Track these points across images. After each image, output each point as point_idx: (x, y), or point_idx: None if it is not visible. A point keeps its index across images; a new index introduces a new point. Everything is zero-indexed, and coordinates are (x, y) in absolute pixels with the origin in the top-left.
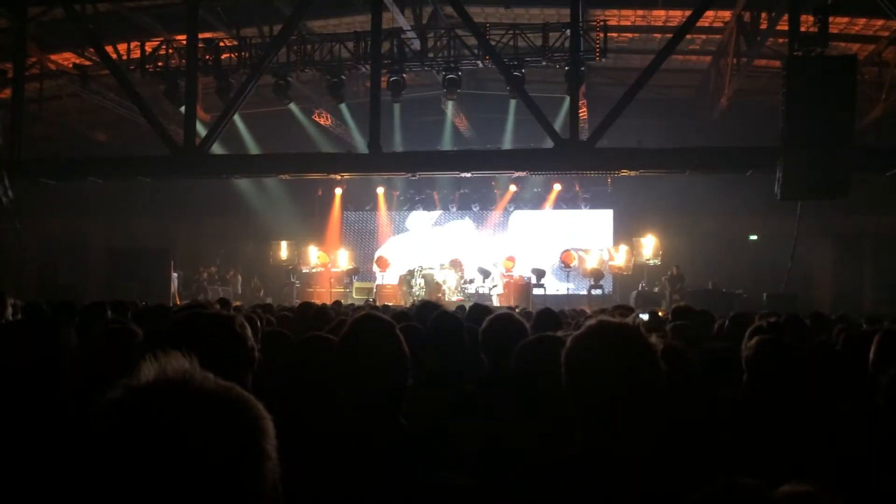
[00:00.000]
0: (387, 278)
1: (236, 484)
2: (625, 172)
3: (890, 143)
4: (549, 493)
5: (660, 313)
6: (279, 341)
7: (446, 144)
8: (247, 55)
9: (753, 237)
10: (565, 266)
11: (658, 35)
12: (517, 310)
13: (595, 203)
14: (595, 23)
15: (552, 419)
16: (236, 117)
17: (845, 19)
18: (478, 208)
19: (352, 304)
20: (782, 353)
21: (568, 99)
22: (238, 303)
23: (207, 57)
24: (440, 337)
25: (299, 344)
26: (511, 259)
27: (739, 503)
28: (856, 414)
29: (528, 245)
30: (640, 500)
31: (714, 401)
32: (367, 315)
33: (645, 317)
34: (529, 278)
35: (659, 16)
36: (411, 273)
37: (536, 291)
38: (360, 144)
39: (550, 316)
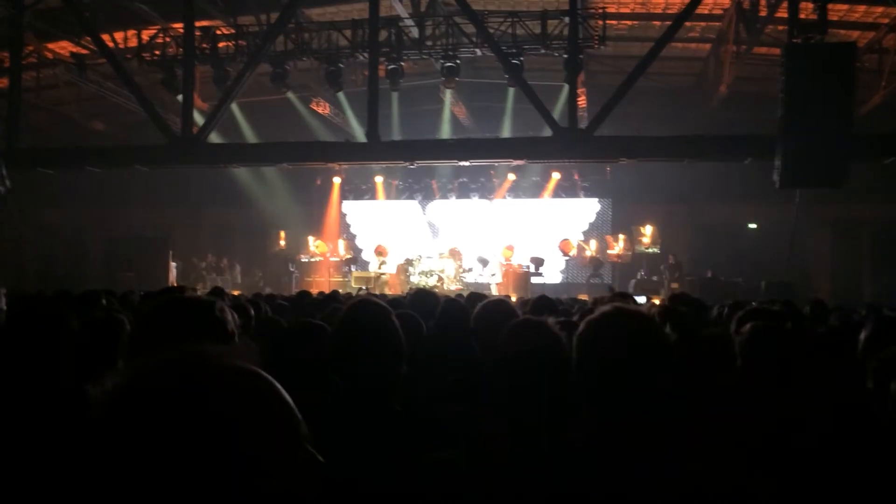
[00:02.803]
0: (385, 267)
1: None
2: (623, 161)
3: (889, 131)
4: (545, 477)
5: (656, 301)
6: (272, 328)
7: (445, 133)
8: (244, 43)
9: (752, 225)
10: (564, 255)
11: (657, 22)
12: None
13: (594, 191)
14: (594, 10)
15: (538, 402)
16: (234, 106)
17: (845, 6)
18: (476, 197)
19: (349, 294)
20: (777, 339)
21: (567, 87)
22: (237, 291)
23: (204, 45)
24: (449, 324)
25: (291, 329)
26: (510, 248)
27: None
28: (847, 399)
29: (526, 234)
30: (648, 484)
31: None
32: (364, 301)
33: (642, 299)
34: (528, 267)
35: (658, 3)
36: (410, 262)
37: (535, 280)
38: (359, 133)
39: (546, 302)
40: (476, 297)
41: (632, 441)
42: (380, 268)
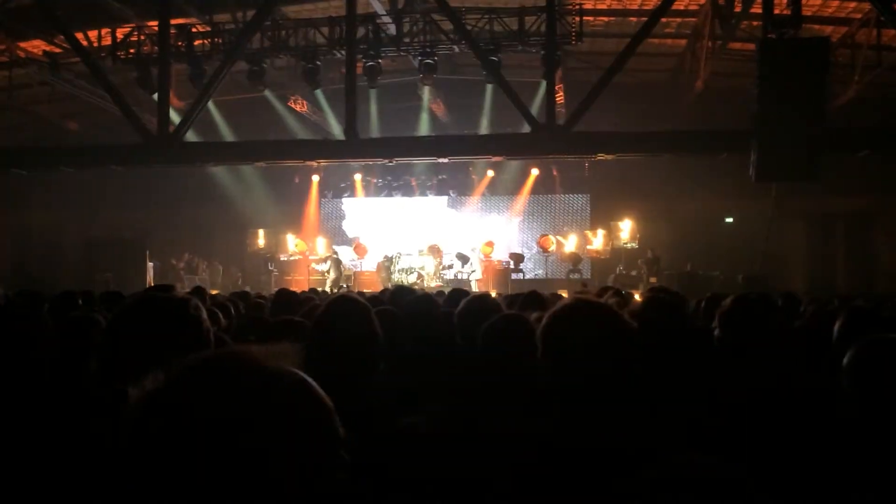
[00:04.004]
0: (364, 265)
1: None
2: (601, 156)
3: (862, 125)
4: (519, 468)
5: (636, 295)
6: (252, 326)
7: (423, 130)
8: (220, 41)
9: (729, 219)
10: (543, 251)
11: (634, 18)
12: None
13: (572, 187)
14: (571, 7)
15: (518, 396)
16: (210, 104)
17: (818, 1)
18: (455, 194)
19: (325, 292)
20: (755, 308)
21: (544, 83)
22: (216, 291)
23: (180, 43)
24: (415, 320)
25: (270, 327)
26: (490, 244)
27: (695, 481)
28: (818, 388)
29: (506, 230)
30: (613, 472)
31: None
32: (342, 297)
33: None
34: (508, 263)
35: None
36: (389, 259)
37: (515, 276)
38: (337, 131)
39: (536, 298)
40: (459, 293)
41: (593, 428)
42: (359, 266)
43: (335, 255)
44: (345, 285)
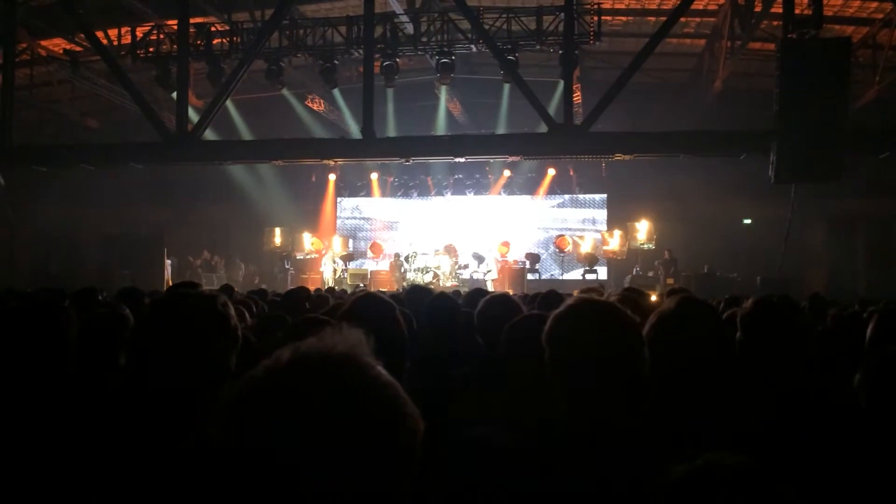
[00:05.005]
0: (381, 264)
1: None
2: (619, 156)
3: (883, 126)
4: (533, 469)
5: (653, 297)
6: (275, 323)
7: (440, 129)
8: (238, 40)
9: (748, 221)
10: (560, 251)
11: (652, 18)
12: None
13: (589, 188)
14: (589, 6)
15: (541, 396)
16: (228, 103)
17: (840, 1)
18: (472, 193)
19: (344, 290)
20: (778, 312)
21: (562, 83)
22: (235, 289)
23: (199, 42)
24: (436, 319)
25: (295, 325)
26: (506, 244)
27: (722, 483)
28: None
29: (522, 230)
30: (622, 473)
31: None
32: (367, 295)
33: None
34: (524, 263)
35: None
36: (403, 258)
37: (531, 276)
38: (354, 130)
39: (556, 298)
40: (478, 293)
41: (603, 434)
42: (375, 265)
43: (332, 255)
44: (361, 284)
